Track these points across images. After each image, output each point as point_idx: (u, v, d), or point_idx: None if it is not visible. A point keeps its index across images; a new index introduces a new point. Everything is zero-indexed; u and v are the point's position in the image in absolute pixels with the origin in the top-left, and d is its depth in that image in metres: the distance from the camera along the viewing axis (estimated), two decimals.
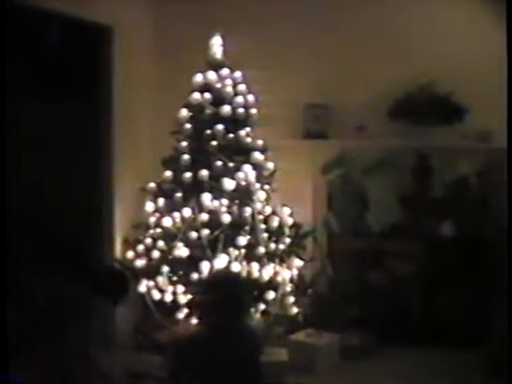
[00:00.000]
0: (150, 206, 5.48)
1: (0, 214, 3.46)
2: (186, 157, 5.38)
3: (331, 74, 5.98)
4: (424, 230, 5.99)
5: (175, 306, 5.27)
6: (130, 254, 5.49)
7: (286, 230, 5.51)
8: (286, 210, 5.55)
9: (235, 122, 5.43)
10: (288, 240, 5.49)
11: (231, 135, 5.39)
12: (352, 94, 5.93)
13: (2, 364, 3.04)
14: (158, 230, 5.41)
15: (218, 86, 5.49)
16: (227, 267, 5.11)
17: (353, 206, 6.11)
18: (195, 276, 5.14)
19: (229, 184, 5.23)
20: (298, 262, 5.53)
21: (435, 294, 5.91)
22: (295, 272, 5.51)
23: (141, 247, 5.46)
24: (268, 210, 5.45)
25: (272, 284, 5.31)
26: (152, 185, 5.52)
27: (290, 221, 5.56)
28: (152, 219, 5.45)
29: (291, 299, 5.42)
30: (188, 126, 5.47)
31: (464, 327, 5.62)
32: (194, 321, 5.20)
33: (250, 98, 5.56)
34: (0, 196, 3.52)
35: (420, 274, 5.98)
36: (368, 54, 5.94)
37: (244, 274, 5.16)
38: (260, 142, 5.52)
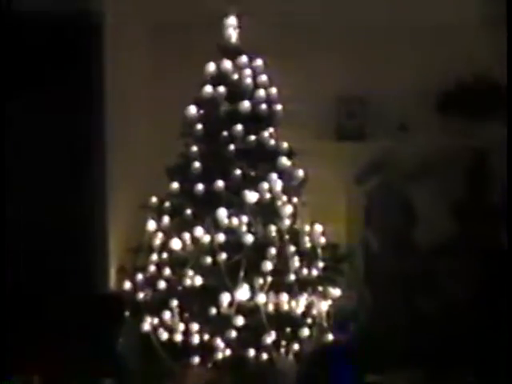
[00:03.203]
0: (152, 226, 4.71)
1: None
2: (198, 164, 4.62)
3: (368, 62, 5.51)
4: (483, 244, 5.47)
5: (187, 347, 4.53)
6: (128, 285, 4.72)
7: (319, 252, 4.74)
8: (318, 228, 4.77)
9: (256, 121, 4.71)
10: (321, 264, 4.73)
11: (252, 137, 4.65)
12: (392, 86, 5.41)
13: None
14: (164, 255, 4.66)
15: (235, 77, 4.76)
16: None
17: (396, 220, 5.59)
18: (212, 311, 4.41)
19: (250, 197, 4.49)
20: (333, 291, 4.74)
21: (499, 321, 5.22)
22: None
23: (141, 276, 4.69)
24: (297, 228, 4.73)
25: (305, 318, 4.59)
26: (154, 200, 4.76)
27: (322, 240, 4.79)
28: (156, 242, 4.68)
29: (329, 336, 4.65)
30: (199, 126, 4.72)
31: None
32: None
33: (273, 91, 4.81)
34: None
35: (481, 298, 5.39)
36: (412, 38, 5.43)
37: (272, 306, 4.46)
38: (286, 145, 4.79)
